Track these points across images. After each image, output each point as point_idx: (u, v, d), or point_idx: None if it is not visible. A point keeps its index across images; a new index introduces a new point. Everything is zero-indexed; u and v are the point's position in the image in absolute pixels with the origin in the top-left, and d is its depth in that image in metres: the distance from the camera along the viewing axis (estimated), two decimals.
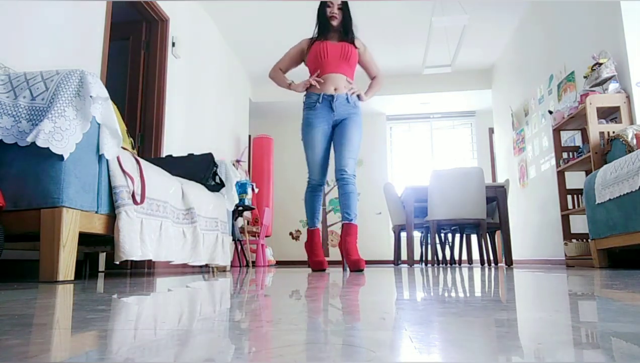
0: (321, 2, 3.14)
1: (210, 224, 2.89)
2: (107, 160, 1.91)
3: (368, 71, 3.32)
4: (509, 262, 4.19)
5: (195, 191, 2.72)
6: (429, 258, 6.58)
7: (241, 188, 4.86)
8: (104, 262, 3.45)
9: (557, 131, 4.01)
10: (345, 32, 3.09)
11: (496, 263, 4.46)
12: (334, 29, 3.10)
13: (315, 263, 3.06)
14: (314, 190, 3.13)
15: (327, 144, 3.08)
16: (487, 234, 4.92)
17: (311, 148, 3.04)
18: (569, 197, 3.99)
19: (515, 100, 5.97)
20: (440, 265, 4.76)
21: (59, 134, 1.61)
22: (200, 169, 3.05)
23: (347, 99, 3.04)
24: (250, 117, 7.82)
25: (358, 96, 3.11)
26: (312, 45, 3.12)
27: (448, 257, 7.20)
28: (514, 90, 6.03)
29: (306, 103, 3.09)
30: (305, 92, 3.13)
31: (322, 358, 0.36)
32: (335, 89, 3.03)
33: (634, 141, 2.98)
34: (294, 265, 7.01)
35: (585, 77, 3.57)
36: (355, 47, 3.13)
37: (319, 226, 3.19)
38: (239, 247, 5.37)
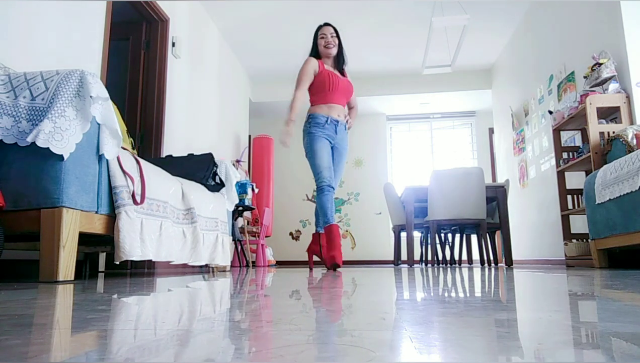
0: (315, 35, 3.43)
1: (210, 225, 2.89)
2: (107, 160, 1.91)
3: (350, 102, 3.66)
4: (509, 262, 4.20)
5: (195, 191, 2.72)
6: (429, 258, 6.57)
7: (241, 188, 4.86)
8: (104, 262, 3.45)
9: (557, 131, 4.01)
10: (340, 63, 3.44)
11: (496, 263, 4.46)
12: (331, 57, 3.43)
13: (331, 258, 3.06)
14: (327, 193, 3.25)
15: (330, 153, 3.36)
16: (487, 234, 4.92)
17: (320, 155, 3.27)
18: (569, 197, 3.99)
19: (515, 100, 5.97)
20: (440, 265, 4.76)
21: (59, 134, 1.61)
22: (200, 169, 3.05)
23: (345, 127, 3.46)
24: (250, 117, 7.82)
25: (349, 126, 3.53)
26: (320, 70, 3.36)
27: (448, 257, 7.20)
28: (514, 90, 6.03)
29: (313, 122, 3.33)
30: (311, 112, 3.38)
31: (322, 358, 0.36)
32: (338, 116, 3.39)
33: (634, 141, 2.98)
34: (294, 265, 7.01)
35: (585, 77, 3.57)
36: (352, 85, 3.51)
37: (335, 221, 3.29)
38: (239, 247, 5.37)
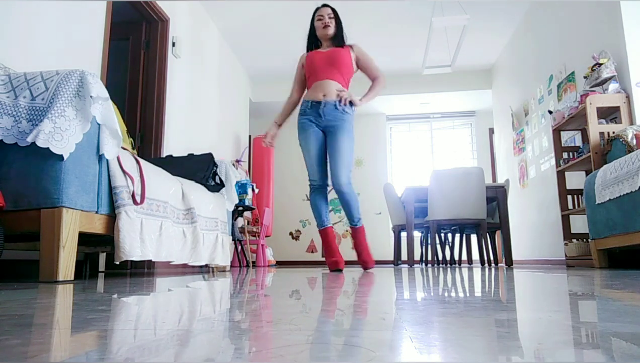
0: (312, 18, 3.25)
1: (210, 225, 2.89)
2: (107, 160, 1.91)
3: (367, 73, 3.30)
4: (509, 262, 4.20)
5: (195, 191, 2.72)
6: (429, 258, 6.58)
7: (241, 188, 4.86)
8: (104, 262, 3.45)
9: (557, 131, 4.01)
10: (339, 41, 3.17)
11: (496, 263, 4.46)
12: (328, 39, 3.19)
13: (331, 263, 2.95)
14: (315, 191, 3.10)
15: (321, 145, 3.11)
16: (487, 234, 4.92)
17: (307, 150, 3.08)
18: (569, 197, 3.99)
19: (515, 100, 5.97)
20: (440, 265, 4.76)
21: (59, 134, 1.61)
22: (200, 169, 3.05)
23: (335, 105, 3.04)
24: (250, 117, 7.82)
25: (351, 102, 3.08)
26: (307, 57, 3.20)
27: (448, 257, 7.20)
28: (514, 90, 6.03)
29: (300, 110, 3.16)
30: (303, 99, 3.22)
31: (322, 358, 0.36)
32: (323, 95, 3.06)
33: (634, 141, 2.98)
34: (294, 265, 7.01)
35: (585, 77, 3.57)
36: (348, 52, 3.15)
37: (330, 224, 3.08)
38: (239, 247, 5.37)
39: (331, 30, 3.14)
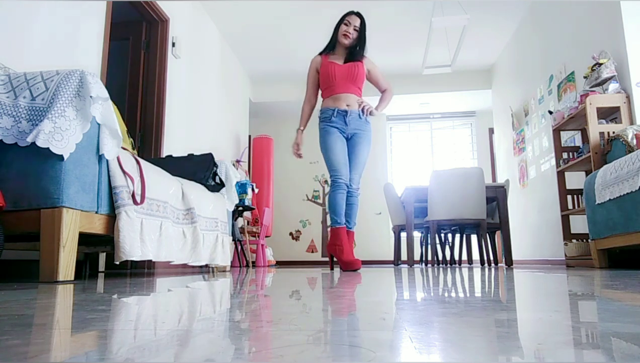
0: (340, 18, 3.33)
1: (210, 225, 2.89)
2: (107, 160, 1.91)
3: (378, 86, 3.49)
4: (509, 262, 4.19)
5: (195, 191, 2.72)
6: (429, 258, 6.57)
7: (241, 188, 4.86)
8: (104, 262, 3.45)
9: (557, 131, 4.01)
10: (352, 53, 3.29)
11: (496, 263, 4.46)
12: (344, 47, 3.30)
13: (348, 264, 2.95)
14: (341, 189, 3.14)
15: (345, 146, 3.25)
16: (487, 234, 4.92)
17: (333, 150, 3.18)
18: (569, 197, 3.99)
19: (515, 100, 5.97)
20: (440, 265, 4.76)
21: (59, 135, 1.61)
22: (200, 170, 3.05)
23: (359, 115, 3.25)
24: (250, 117, 7.81)
25: (370, 112, 3.26)
26: (322, 64, 3.30)
27: (448, 257, 7.20)
28: (514, 90, 6.03)
29: (322, 117, 3.28)
30: (321, 108, 3.33)
31: (322, 358, 0.36)
32: (347, 105, 3.23)
33: (634, 141, 2.98)
34: (294, 266, 7.01)
35: (585, 77, 3.57)
36: (363, 67, 3.30)
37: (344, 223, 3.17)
38: (239, 247, 5.37)
39: (348, 42, 3.25)
